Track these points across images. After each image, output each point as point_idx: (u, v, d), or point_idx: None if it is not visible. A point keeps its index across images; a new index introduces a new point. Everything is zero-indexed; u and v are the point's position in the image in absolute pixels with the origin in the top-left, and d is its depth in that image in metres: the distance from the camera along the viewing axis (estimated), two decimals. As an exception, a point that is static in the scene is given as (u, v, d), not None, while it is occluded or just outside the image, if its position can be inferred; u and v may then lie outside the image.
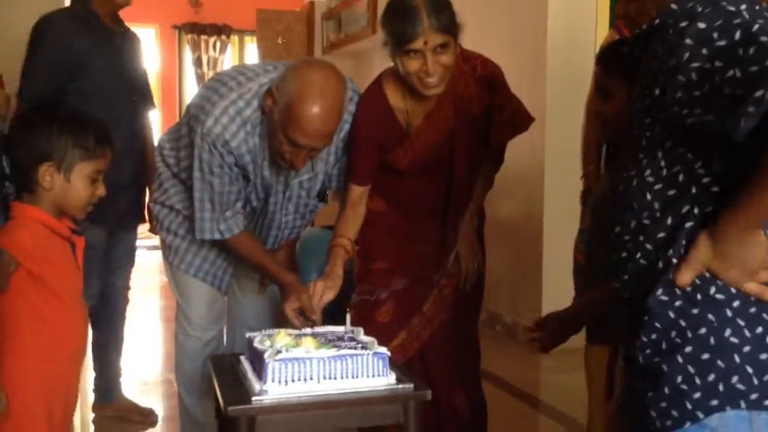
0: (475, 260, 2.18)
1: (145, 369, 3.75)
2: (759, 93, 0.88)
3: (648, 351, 1.11)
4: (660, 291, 1.09)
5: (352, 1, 5.84)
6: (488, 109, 2.07)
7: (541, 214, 3.91)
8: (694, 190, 1.07)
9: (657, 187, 1.10)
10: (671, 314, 1.08)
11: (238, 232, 1.97)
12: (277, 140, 1.81)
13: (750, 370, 1.04)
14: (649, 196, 1.11)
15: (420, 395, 1.56)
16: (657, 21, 1.10)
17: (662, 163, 1.09)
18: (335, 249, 2.04)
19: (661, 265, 1.09)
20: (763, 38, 0.90)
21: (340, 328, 1.77)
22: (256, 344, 1.62)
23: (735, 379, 1.04)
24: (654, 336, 1.09)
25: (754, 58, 0.90)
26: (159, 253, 2.73)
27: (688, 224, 1.07)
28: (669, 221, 1.09)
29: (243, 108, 1.85)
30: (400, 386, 1.54)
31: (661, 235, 1.09)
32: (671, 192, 1.08)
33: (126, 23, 2.90)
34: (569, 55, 3.77)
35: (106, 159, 1.62)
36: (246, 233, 2.00)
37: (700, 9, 1.01)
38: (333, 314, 2.54)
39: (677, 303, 1.08)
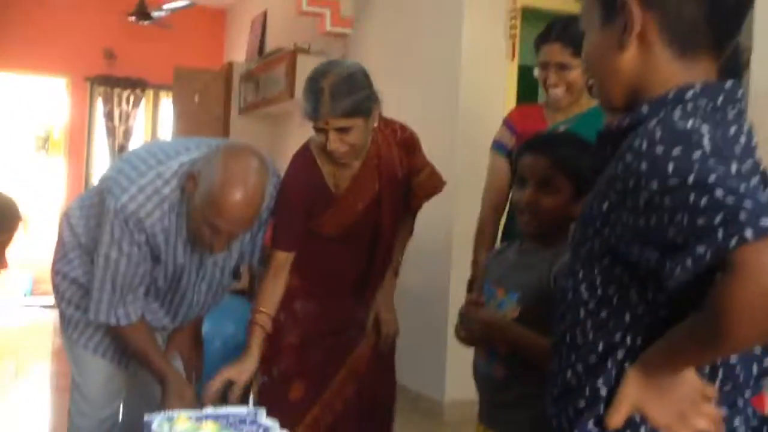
0: (395, 325, 2.21)
1: (33, 440, 3.52)
2: (700, 249, 0.84)
3: None
4: (590, 423, 1.02)
5: (271, 65, 5.89)
6: (408, 172, 2.18)
7: (447, 286, 3.97)
8: (627, 317, 1.00)
9: (590, 306, 1.04)
10: None
11: (135, 320, 1.91)
12: (197, 224, 1.79)
13: None
14: (582, 313, 1.05)
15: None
16: (626, 122, 1.04)
17: (598, 281, 1.03)
18: (254, 327, 2.03)
19: (587, 392, 1.03)
20: (717, 192, 0.85)
21: (242, 410, 1.73)
22: (155, 428, 1.55)
23: None
24: None
25: (704, 210, 0.85)
26: (53, 313, 2.60)
27: (620, 353, 1.01)
28: (600, 347, 1.02)
29: (161, 187, 1.82)
30: (303, 474, 1.51)
31: (592, 359, 1.03)
32: (604, 314, 1.03)
33: (36, 73, 2.81)
34: (479, 132, 3.92)
35: (12, 232, 1.56)
36: (141, 323, 1.94)
37: (658, 131, 0.94)
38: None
39: None
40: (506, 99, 4.04)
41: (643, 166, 0.92)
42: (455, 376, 3.84)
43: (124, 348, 2.03)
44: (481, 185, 2.65)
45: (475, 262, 2.52)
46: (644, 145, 0.94)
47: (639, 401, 0.98)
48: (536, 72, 2.43)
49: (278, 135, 6.42)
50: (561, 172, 1.59)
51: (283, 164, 2.13)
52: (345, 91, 1.91)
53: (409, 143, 2.18)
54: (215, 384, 1.94)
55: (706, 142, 0.91)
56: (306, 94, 1.96)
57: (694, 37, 1.02)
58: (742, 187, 0.85)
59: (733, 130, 0.99)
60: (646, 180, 0.91)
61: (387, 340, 2.23)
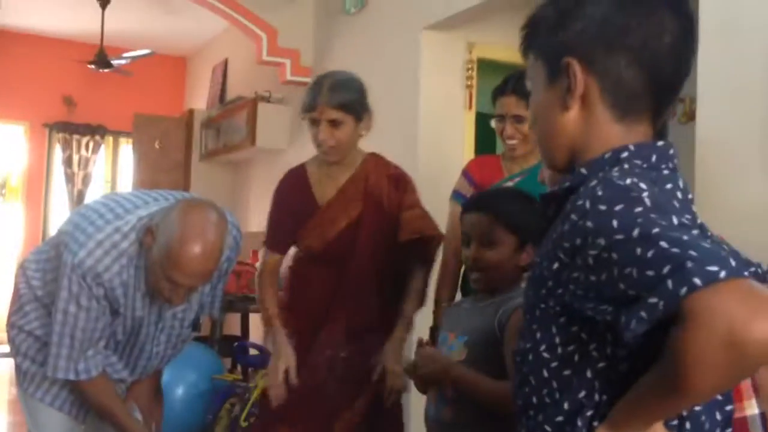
0: (401, 379, 2.18)
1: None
2: (653, 300, 0.85)
3: None
4: None
5: (231, 113, 5.95)
6: (396, 208, 2.28)
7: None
8: (589, 373, 1.00)
9: (553, 365, 1.03)
10: None
11: (96, 374, 1.91)
12: (156, 277, 1.81)
13: None
14: (546, 373, 1.04)
15: None
16: (567, 184, 1.06)
17: (557, 340, 1.03)
18: (275, 329, 2.24)
19: None
20: (663, 243, 0.86)
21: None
22: (114, 481, 1.56)
23: None
24: None
25: (651, 262, 0.86)
26: (9, 362, 2.55)
27: (588, 411, 1.00)
28: (566, 405, 1.02)
29: (119, 241, 1.84)
30: None
31: (559, 419, 1.02)
32: (567, 372, 1.02)
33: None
34: (439, 180, 4.01)
35: None
36: (102, 377, 1.94)
37: (600, 190, 0.96)
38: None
39: None
40: (464, 147, 4.15)
41: (589, 223, 0.93)
42: (419, 425, 3.85)
43: (83, 402, 2.02)
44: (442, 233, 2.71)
45: (437, 308, 2.57)
46: (587, 204, 0.95)
47: None
48: (493, 123, 2.51)
49: (239, 182, 6.44)
50: (501, 225, 1.66)
51: (244, 210, 2.21)
52: (342, 88, 2.22)
53: (400, 180, 2.33)
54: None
55: (645, 196, 0.93)
56: (308, 89, 2.26)
57: (634, 102, 1.05)
58: (686, 237, 0.86)
59: (669, 186, 1.01)
60: (592, 237, 0.92)
61: (392, 394, 2.20)
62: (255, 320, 4.95)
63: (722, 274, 0.82)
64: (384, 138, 4.47)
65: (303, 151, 2.78)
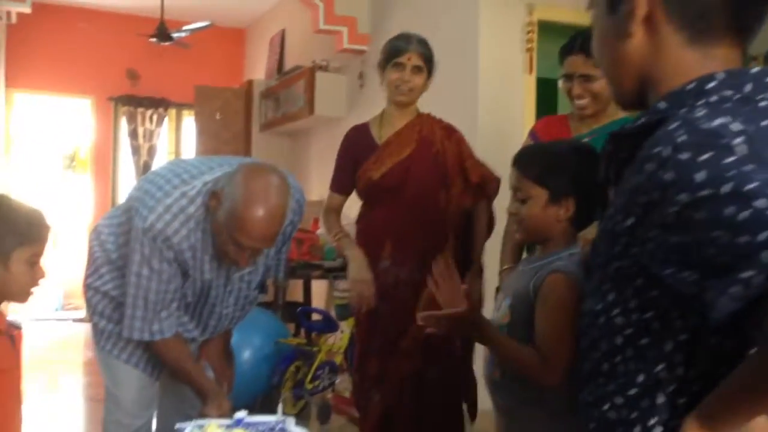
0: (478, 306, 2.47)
1: (66, 452, 3.61)
2: (746, 273, 0.73)
3: None
4: None
5: (290, 82, 5.99)
6: (448, 154, 2.57)
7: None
8: (669, 345, 0.89)
9: (627, 332, 0.93)
10: None
11: (170, 335, 1.97)
12: (222, 240, 1.85)
13: None
14: (619, 340, 0.95)
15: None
16: (642, 120, 0.93)
17: (632, 304, 0.92)
18: (345, 240, 2.57)
19: (638, 430, 0.92)
20: (760, 203, 0.73)
21: (271, 418, 1.79)
22: (188, 435, 1.62)
23: None
24: None
25: (745, 226, 0.73)
26: (85, 327, 2.67)
27: (669, 388, 0.90)
28: (641, 378, 0.92)
29: (186, 205, 1.89)
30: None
31: (632, 391, 0.93)
32: (643, 341, 0.92)
33: (62, 94, 2.93)
34: (498, 146, 3.98)
35: (43, 242, 1.61)
36: (176, 337, 2.00)
37: (682, 134, 0.82)
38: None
39: None
40: (525, 112, 4.09)
41: (668, 176, 0.81)
42: (484, 386, 3.87)
43: (157, 360, 2.10)
44: (504, 199, 2.69)
45: (501, 272, 2.58)
46: (667, 151, 0.82)
47: None
48: (560, 84, 2.47)
49: (299, 151, 6.51)
50: (529, 179, 1.64)
51: (304, 180, 2.29)
52: (426, 44, 2.61)
53: (452, 131, 2.64)
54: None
55: (739, 142, 0.78)
56: (395, 40, 2.61)
57: (708, 20, 0.91)
58: None
59: (767, 123, 0.83)
60: (673, 192, 0.80)
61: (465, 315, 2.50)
62: (317, 286, 5.04)
63: None
64: (443, 103, 4.44)
65: (361, 119, 2.82)
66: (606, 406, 0.96)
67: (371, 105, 4.97)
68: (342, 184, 2.66)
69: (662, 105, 0.91)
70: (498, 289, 2.53)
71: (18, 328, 1.63)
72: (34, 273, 1.60)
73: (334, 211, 2.68)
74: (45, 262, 1.64)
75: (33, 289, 1.63)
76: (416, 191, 2.54)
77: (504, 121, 4.03)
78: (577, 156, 1.65)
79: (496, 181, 2.64)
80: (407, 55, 2.54)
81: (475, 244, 2.61)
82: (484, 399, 2.89)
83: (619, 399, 0.95)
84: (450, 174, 2.57)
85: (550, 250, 1.65)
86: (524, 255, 2.59)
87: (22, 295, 1.61)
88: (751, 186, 0.75)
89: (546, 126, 2.61)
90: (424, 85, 2.60)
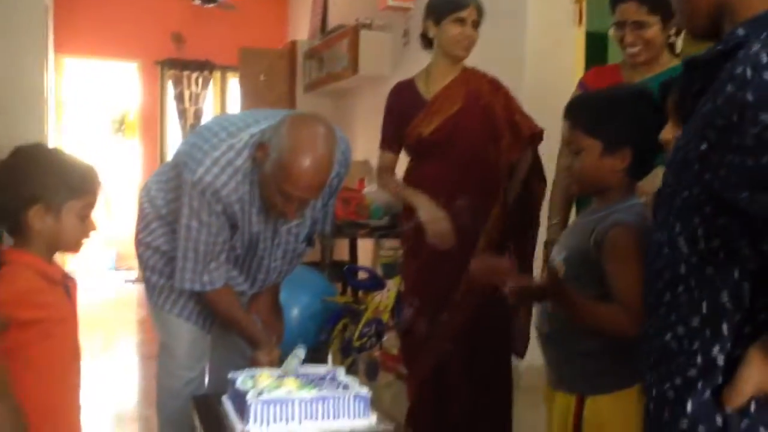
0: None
1: (122, 405, 3.72)
2: None
3: None
4: (707, 394, 0.91)
5: (333, 42, 5.94)
6: (496, 108, 2.55)
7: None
8: (736, 274, 0.88)
9: (693, 260, 0.92)
10: (719, 421, 0.90)
11: (220, 286, 2.00)
12: (270, 191, 1.86)
13: None
14: (683, 269, 0.93)
15: (400, 436, 1.60)
16: (719, 47, 0.91)
17: (699, 232, 0.91)
18: (410, 189, 2.53)
19: (699, 360, 0.92)
20: None
21: (321, 368, 1.81)
22: (239, 385, 1.64)
23: None
24: None
25: None
26: (137, 287, 2.74)
27: (735, 317, 0.89)
28: (704, 307, 0.91)
29: (234, 158, 1.90)
30: (381, 427, 1.58)
31: (695, 321, 0.92)
32: (709, 270, 0.91)
33: (109, 58, 2.95)
34: (546, 100, 3.88)
35: (94, 195, 1.64)
36: (226, 288, 2.03)
37: (765, 55, 0.81)
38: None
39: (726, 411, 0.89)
40: (574, 67, 3.98)
41: (749, 96, 0.80)
42: (531, 343, 3.85)
43: (209, 312, 2.13)
44: (551, 154, 2.64)
45: (549, 227, 2.54)
46: (748, 72, 0.80)
47: (765, 384, 0.86)
48: (612, 32, 2.39)
49: (344, 111, 6.48)
50: (581, 131, 1.59)
51: (348, 139, 2.24)
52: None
53: (498, 85, 2.61)
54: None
55: None
56: None
57: None
58: None
59: None
60: (753, 112, 0.79)
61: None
62: (363, 245, 5.05)
63: None
64: (489, 58, 4.36)
65: (406, 77, 2.78)
66: (668, 336, 0.95)
67: (416, 63, 4.87)
68: (392, 142, 2.64)
69: (741, 32, 0.89)
70: (547, 244, 2.49)
71: (73, 279, 1.66)
72: (85, 226, 1.62)
73: (388, 169, 2.66)
74: (96, 216, 1.67)
75: (84, 242, 1.65)
76: (465, 146, 2.52)
77: (552, 76, 3.92)
78: (632, 102, 1.59)
79: (541, 134, 2.63)
80: (468, 10, 2.51)
81: (531, 200, 2.62)
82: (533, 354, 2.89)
83: (681, 329, 0.93)
84: (498, 128, 2.54)
85: (608, 202, 1.60)
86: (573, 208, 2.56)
87: (73, 247, 1.63)
88: None
89: (596, 76, 2.54)
90: (475, 41, 2.59)
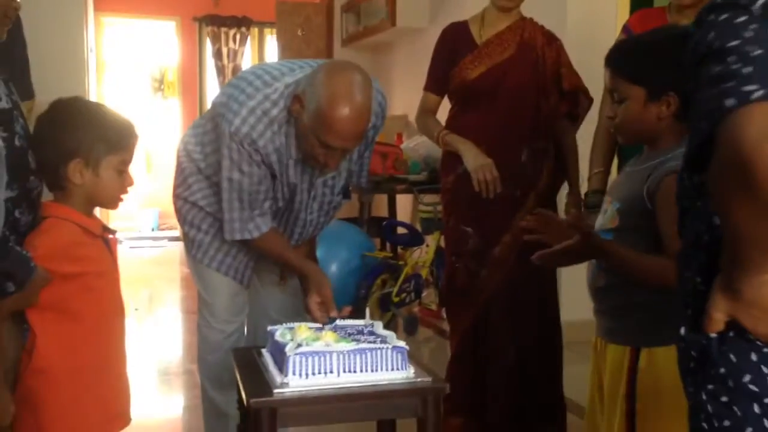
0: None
1: (167, 360, 3.81)
2: (729, 102, 0.81)
3: (688, 379, 1.02)
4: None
5: (371, -6, 5.84)
6: (548, 61, 2.46)
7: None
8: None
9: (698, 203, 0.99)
10: (704, 344, 0.97)
11: (267, 230, 2.00)
12: (309, 143, 1.84)
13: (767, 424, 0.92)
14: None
15: (438, 389, 1.58)
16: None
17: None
18: (454, 135, 2.46)
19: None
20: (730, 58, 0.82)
21: (359, 322, 1.80)
22: (278, 337, 1.65)
23: (749, 431, 0.93)
24: (691, 365, 1.00)
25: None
26: (180, 245, 2.78)
27: (706, 239, 0.97)
28: (693, 237, 0.99)
29: (269, 108, 1.88)
30: (419, 380, 1.57)
31: (703, 259, 0.98)
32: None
33: (148, 16, 2.91)
34: (589, 43, 3.76)
35: (131, 150, 1.64)
36: (272, 230, 2.03)
37: None
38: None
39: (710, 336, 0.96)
40: (618, 8, 3.84)
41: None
42: (571, 298, 3.81)
43: (246, 266, 2.14)
44: (595, 101, 2.57)
45: (590, 178, 2.48)
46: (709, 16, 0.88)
47: (730, 310, 0.91)
48: None
49: (382, 65, 6.40)
50: (623, 78, 1.55)
51: (387, 94, 2.23)
52: None
53: (553, 37, 2.52)
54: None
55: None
56: None
57: None
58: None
59: None
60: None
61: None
62: (402, 200, 5.02)
63: (757, 94, 0.77)
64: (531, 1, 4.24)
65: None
66: (687, 273, 0.99)
67: (454, 15, 4.77)
68: (438, 83, 2.55)
69: None
70: (588, 194, 2.44)
71: (112, 232, 1.67)
72: (122, 180, 1.63)
73: (431, 112, 2.57)
74: (133, 170, 1.67)
75: (122, 197, 1.66)
76: (512, 96, 2.43)
77: (595, 15, 3.80)
78: (674, 46, 1.51)
79: (588, 100, 2.53)
80: None
81: (568, 170, 2.51)
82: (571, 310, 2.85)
83: (688, 273, 0.98)
84: (548, 82, 2.46)
85: (659, 149, 1.55)
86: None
87: (111, 202, 1.64)
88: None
89: (641, 20, 2.44)
90: None
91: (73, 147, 1.56)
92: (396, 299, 3.88)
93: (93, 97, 6.45)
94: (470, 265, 2.45)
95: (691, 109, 0.91)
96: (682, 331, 1.00)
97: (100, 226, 1.64)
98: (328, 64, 1.87)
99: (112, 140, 1.59)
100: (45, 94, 2.65)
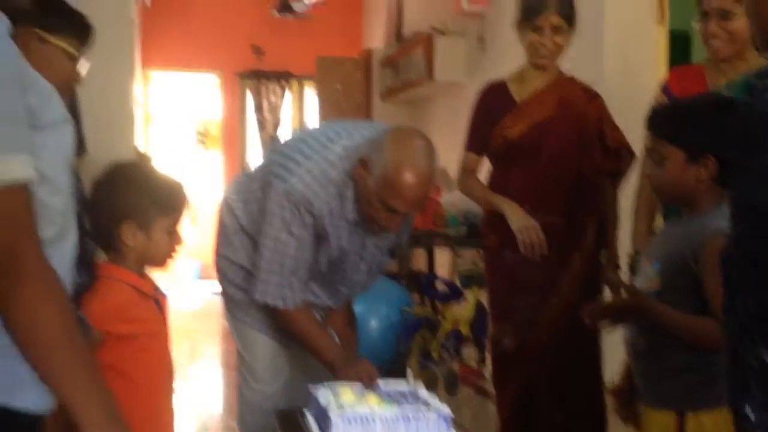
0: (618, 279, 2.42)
1: (207, 415, 3.80)
2: None
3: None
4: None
5: (408, 49, 5.95)
6: (590, 118, 2.46)
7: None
8: None
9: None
10: None
11: (300, 303, 1.98)
12: (373, 207, 1.86)
13: None
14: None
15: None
16: None
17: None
18: (498, 195, 2.44)
19: None
20: None
21: (403, 385, 1.79)
22: (320, 399, 1.65)
23: None
24: None
25: None
26: (220, 299, 2.80)
27: None
28: None
29: (327, 170, 1.89)
30: (463, 448, 1.55)
31: None
32: None
33: (191, 70, 2.99)
34: (626, 102, 3.76)
35: (181, 212, 1.69)
36: (304, 306, 2.00)
37: None
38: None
39: None
40: (656, 67, 3.85)
41: None
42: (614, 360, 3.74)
43: (286, 328, 2.13)
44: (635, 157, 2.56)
45: (634, 236, 2.46)
46: None
47: None
48: (695, 25, 2.30)
49: (420, 119, 6.47)
50: (663, 140, 1.57)
51: None
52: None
53: (595, 94, 2.52)
54: None
55: None
56: None
57: None
58: None
59: None
60: None
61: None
62: (440, 255, 5.01)
63: None
64: (567, 59, 4.26)
65: (481, 82, 2.72)
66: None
67: (492, 69, 4.83)
68: (479, 143, 2.54)
69: None
70: (634, 255, 2.41)
71: (163, 293, 1.70)
72: (172, 240, 1.67)
73: (472, 172, 2.57)
74: (182, 230, 1.71)
75: (172, 256, 1.70)
76: (554, 154, 2.42)
77: (633, 76, 3.80)
78: (714, 110, 1.53)
79: (631, 155, 2.50)
80: (544, 16, 2.39)
81: (607, 231, 2.48)
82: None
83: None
84: (590, 138, 2.45)
85: (699, 210, 1.55)
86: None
87: (162, 261, 1.68)
88: None
89: (679, 78, 2.44)
90: (565, 43, 2.45)
91: (125, 210, 1.61)
92: (436, 356, 3.84)
93: (140, 148, 6.62)
94: (516, 329, 2.42)
95: (749, 174, 0.88)
96: (748, 411, 0.96)
97: (151, 286, 1.68)
98: (393, 131, 1.90)
99: (163, 203, 1.64)
100: (95, 148, 2.75)
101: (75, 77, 1.73)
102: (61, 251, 1.08)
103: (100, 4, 3.53)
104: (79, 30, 1.75)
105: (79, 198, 1.55)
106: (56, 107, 1.06)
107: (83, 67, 1.78)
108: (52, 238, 1.04)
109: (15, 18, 1.06)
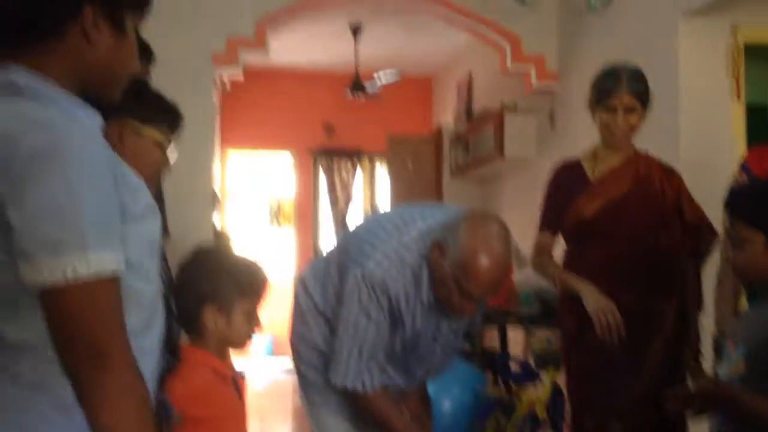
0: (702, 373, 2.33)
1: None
2: None
3: None
4: None
5: (479, 126, 6.01)
6: (667, 195, 2.42)
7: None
8: None
9: None
10: None
11: (378, 386, 1.98)
12: (448, 290, 1.87)
13: None
14: None
15: None
16: None
17: None
18: (573, 275, 2.40)
19: None
20: None
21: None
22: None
23: None
24: None
25: None
26: (292, 374, 2.80)
27: None
28: None
29: (404, 253, 1.92)
30: None
31: None
32: None
33: (265, 149, 3.05)
34: (703, 179, 3.68)
35: (261, 295, 1.72)
36: (382, 390, 2.01)
37: None
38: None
39: None
40: (733, 143, 3.76)
41: None
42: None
43: (363, 411, 2.12)
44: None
45: (718, 319, 2.36)
46: None
47: None
48: None
49: (490, 195, 6.47)
50: (742, 223, 1.54)
51: None
52: (639, 78, 2.44)
53: (672, 171, 2.49)
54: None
55: None
56: (604, 75, 2.46)
57: None
58: None
59: None
60: None
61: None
62: (513, 334, 4.91)
63: None
64: (641, 134, 4.22)
65: (552, 159, 2.73)
66: None
67: (562, 145, 4.82)
68: (553, 222, 2.52)
69: None
70: (718, 339, 2.31)
71: (242, 375, 1.72)
72: (251, 324, 1.70)
73: (546, 251, 2.53)
74: (261, 313, 1.74)
75: (251, 339, 1.73)
76: (632, 233, 2.39)
77: (710, 154, 3.72)
78: None
79: (713, 233, 2.44)
80: (617, 96, 2.39)
81: (689, 314, 2.40)
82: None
83: None
84: (669, 215, 2.40)
85: None
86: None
87: (241, 344, 1.72)
88: None
89: (759, 156, 2.40)
90: (638, 122, 2.45)
91: (208, 293, 1.65)
92: (510, 438, 3.72)
93: (217, 226, 6.82)
94: (597, 418, 2.33)
95: None
96: None
97: (231, 369, 1.70)
98: (469, 215, 1.92)
99: (244, 287, 1.68)
100: (175, 228, 2.85)
101: (165, 165, 1.79)
102: (151, 337, 1.11)
103: (185, 89, 3.71)
104: (171, 119, 1.78)
105: (167, 281, 1.60)
106: (145, 199, 1.11)
107: (172, 154, 1.81)
108: (142, 325, 1.07)
109: (107, 110, 1.13)
